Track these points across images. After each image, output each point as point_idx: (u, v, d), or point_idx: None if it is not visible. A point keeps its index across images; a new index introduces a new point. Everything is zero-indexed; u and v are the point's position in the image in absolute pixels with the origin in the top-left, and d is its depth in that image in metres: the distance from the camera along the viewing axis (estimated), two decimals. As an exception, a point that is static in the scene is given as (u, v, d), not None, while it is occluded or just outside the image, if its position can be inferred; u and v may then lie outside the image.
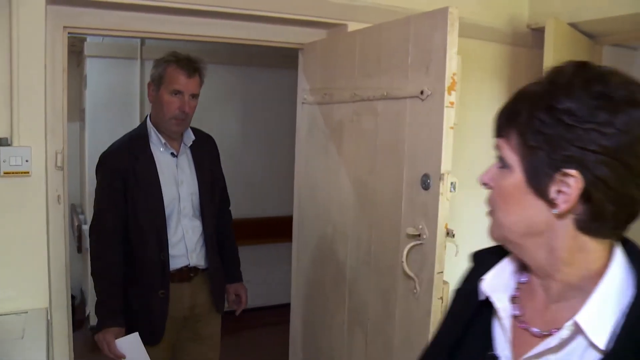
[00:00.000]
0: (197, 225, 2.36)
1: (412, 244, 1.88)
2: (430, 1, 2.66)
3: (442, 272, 1.82)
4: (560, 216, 0.79)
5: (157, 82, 2.26)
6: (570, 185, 0.76)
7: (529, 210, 0.82)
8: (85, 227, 3.79)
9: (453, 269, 2.27)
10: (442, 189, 1.78)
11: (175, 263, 2.29)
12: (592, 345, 0.78)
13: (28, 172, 2.10)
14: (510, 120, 0.84)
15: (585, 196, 0.77)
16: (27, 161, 2.09)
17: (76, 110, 4.50)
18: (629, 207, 0.79)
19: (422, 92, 1.84)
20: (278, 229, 4.56)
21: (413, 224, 1.90)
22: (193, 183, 2.35)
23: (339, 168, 2.42)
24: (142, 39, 4.13)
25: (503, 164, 0.85)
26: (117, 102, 4.24)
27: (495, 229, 0.88)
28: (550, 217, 0.80)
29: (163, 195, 2.24)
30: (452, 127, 1.78)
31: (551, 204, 0.79)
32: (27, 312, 2.15)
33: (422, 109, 1.86)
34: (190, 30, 2.51)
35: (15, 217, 2.14)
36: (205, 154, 2.42)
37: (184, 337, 2.39)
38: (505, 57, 3.18)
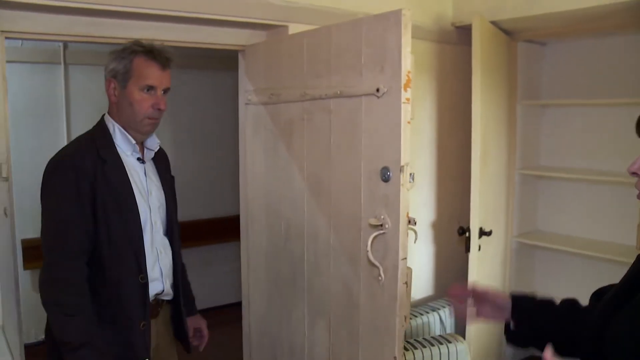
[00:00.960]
0: (167, 244, 2.06)
1: (375, 233, 1.98)
2: (368, 3, 2.81)
3: (405, 258, 1.93)
4: None
5: (122, 78, 1.91)
6: None
7: None
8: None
9: (412, 255, 2.42)
10: (403, 180, 1.89)
11: (152, 289, 1.96)
12: None
13: (-27, 183, 2.03)
14: None
15: None
16: (-30, 171, 2.02)
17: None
18: None
19: (378, 90, 1.94)
20: (226, 229, 4.62)
21: (374, 214, 2.00)
22: (160, 194, 2.07)
23: (290, 166, 2.49)
24: (65, 43, 4.00)
25: None
26: (40, 109, 4.08)
27: None
28: None
29: (138, 206, 1.92)
30: (409, 122, 1.89)
31: None
32: (-19, 331, 2.08)
33: (378, 106, 1.96)
34: (128, 33, 2.45)
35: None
36: (163, 160, 2.17)
37: None
38: (433, 53, 3.36)
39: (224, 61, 4.35)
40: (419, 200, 3.36)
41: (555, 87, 3.77)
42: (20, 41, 3.78)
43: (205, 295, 4.85)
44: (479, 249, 3.05)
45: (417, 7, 3.21)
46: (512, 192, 3.66)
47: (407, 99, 1.88)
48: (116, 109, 1.95)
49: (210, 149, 5.00)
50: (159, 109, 1.93)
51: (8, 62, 3.91)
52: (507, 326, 1.48)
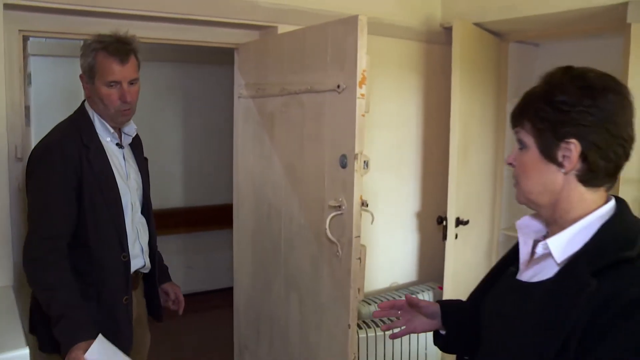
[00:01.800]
0: (144, 222, 2.23)
1: (333, 214, 2.22)
2: (353, 4, 3.04)
3: (359, 236, 2.17)
4: (566, 173, 1.14)
5: (89, 74, 2.01)
6: (571, 150, 1.11)
7: (544, 174, 1.17)
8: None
9: (370, 235, 2.65)
10: (357, 166, 2.13)
11: (134, 265, 2.13)
12: (554, 261, 1.15)
13: (-8, 164, 2.34)
14: (523, 114, 1.20)
15: (583, 157, 1.11)
16: (-10, 153, 2.32)
17: (21, 108, 4.64)
18: (614, 161, 1.13)
19: (338, 86, 2.18)
20: (220, 217, 4.87)
21: (334, 197, 2.24)
22: (138, 176, 2.21)
23: (272, 154, 2.75)
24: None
25: (522, 145, 1.20)
26: (62, 100, 4.40)
27: (520, 195, 1.24)
28: (559, 176, 1.15)
29: (120, 189, 2.05)
30: (363, 115, 2.12)
31: (560, 165, 1.14)
32: (-6, 290, 2.38)
33: (338, 100, 2.20)
34: (133, 32, 2.74)
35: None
36: (138, 144, 2.29)
37: None
38: (421, 53, 3.56)
39: (228, 56, 4.64)
40: (404, 191, 3.58)
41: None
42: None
43: (205, 278, 5.22)
44: (456, 237, 3.26)
45: (407, 9, 3.43)
46: (500, 186, 3.84)
47: (362, 95, 2.11)
48: (91, 102, 2.07)
49: (214, 140, 5.31)
50: (126, 101, 2.02)
51: (33, 55, 4.31)
52: (436, 333, 1.57)
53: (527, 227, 1.30)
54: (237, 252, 3.26)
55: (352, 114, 2.12)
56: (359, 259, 2.20)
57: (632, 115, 1.14)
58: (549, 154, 1.15)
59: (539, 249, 1.20)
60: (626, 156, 1.15)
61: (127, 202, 2.09)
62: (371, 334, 3.02)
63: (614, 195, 1.20)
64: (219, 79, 5.12)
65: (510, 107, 3.84)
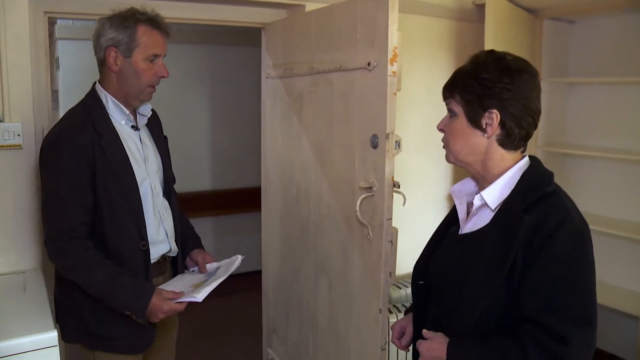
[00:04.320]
0: (167, 205, 2.12)
1: (364, 195, 2.16)
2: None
3: (390, 218, 2.11)
4: (489, 137, 1.41)
5: (125, 47, 1.89)
6: (493, 119, 1.38)
7: (471, 138, 1.43)
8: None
9: (402, 217, 2.59)
10: (388, 146, 2.06)
11: (156, 252, 2.03)
12: (489, 208, 1.42)
13: (20, 145, 2.34)
14: (454, 87, 1.44)
15: (502, 124, 1.38)
16: (19, 135, 2.32)
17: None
18: (525, 128, 1.40)
19: (369, 64, 2.11)
20: (249, 199, 4.86)
21: (365, 178, 2.18)
22: (157, 158, 2.10)
23: (300, 134, 2.70)
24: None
25: (452, 114, 1.45)
26: (89, 83, 4.39)
27: (450, 156, 1.49)
28: (483, 140, 1.42)
29: (135, 174, 1.95)
30: (395, 93, 2.05)
31: (483, 131, 1.40)
32: (24, 272, 2.39)
33: (369, 79, 2.13)
34: (160, 12, 2.71)
35: (9, 186, 2.37)
36: (155, 122, 2.17)
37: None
38: (453, 31, 3.46)
39: (255, 37, 4.60)
40: (436, 173, 3.50)
41: (584, 65, 3.77)
42: (71, 20, 4.11)
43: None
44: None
45: (438, -14, 3.33)
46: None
47: (394, 72, 2.03)
48: (116, 79, 1.94)
49: (242, 122, 5.28)
50: (163, 77, 1.96)
51: (60, 39, 4.32)
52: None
53: (460, 192, 1.56)
54: (265, 235, 3.22)
55: (384, 92, 2.05)
56: (391, 242, 2.14)
57: (539, 92, 1.41)
58: (475, 121, 1.41)
59: (476, 201, 1.45)
60: (535, 125, 1.42)
61: (146, 187, 2.00)
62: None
63: (528, 155, 1.47)
64: (246, 60, 5.07)
65: (545, 86, 3.75)
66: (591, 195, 3.70)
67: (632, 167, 3.49)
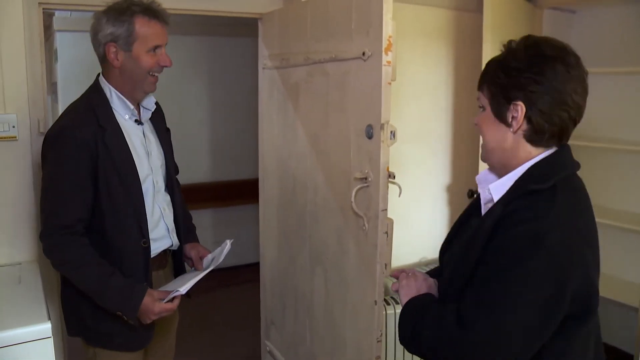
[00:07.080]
0: (169, 200, 2.11)
1: (359, 186, 2.15)
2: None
3: (385, 209, 2.10)
4: (514, 132, 1.30)
5: (124, 42, 1.86)
6: (518, 112, 1.26)
7: (496, 132, 1.33)
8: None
9: (398, 208, 2.57)
10: (383, 136, 2.05)
11: (157, 247, 2.02)
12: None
13: (15, 137, 2.34)
14: (484, 79, 1.36)
15: (528, 118, 1.27)
16: (13, 127, 2.32)
17: (48, 84, 4.66)
18: (558, 125, 1.27)
19: (363, 54, 2.09)
20: (248, 191, 4.84)
21: (360, 169, 2.17)
22: (160, 153, 2.09)
23: (296, 124, 2.68)
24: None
25: (481, 107, 1.37)
26: (89, 75, 4.37)
27: (484, 154, 1.41)
28: (509, 135, 1.31)
29: (138, 171, 1.93)
30: (389, 83, 2.04)
31: (508, 125, 1.30)
32: (20, 264, 2.40)
33: (364, 68, 2.11)
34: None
35: (5, 178, 2.38)
36: (159, 117, 2.16)
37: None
38: (451, 21, 3.44)
39: (252, 28, 4.59)
40: (433, 164, 3.49)
41: (585, 55, 3.71)
42: (69, 12, 4.10)
43: (234, 253, 5.21)
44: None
45: (436, -25, 3.31)
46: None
47: (388, 62, 2.02)
48: (119, 73, 1.91)
49: (240, 113, 5.26)
50: (165, 65, 1.94)
51: (58, 31, 4.31)
52: None
53: (486, 181, 1.43)
54: (262, 226, 3.22)
55: (378, 82, 2.03)
56: (386, 233, 2.13)
57: (580, 84, 1.27)
58: (500, 115, 1.31)
59: (485, 194, 1.38)
60: (573, 120, 1.29)
61: (149, 183, 1.99)
62: (399, 310, 2.95)
63: (559, 145, 1.34)
64: (244, 51, 5.06)
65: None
66: (593, 186, 3.65)
67: (632, 158, 3.47)
